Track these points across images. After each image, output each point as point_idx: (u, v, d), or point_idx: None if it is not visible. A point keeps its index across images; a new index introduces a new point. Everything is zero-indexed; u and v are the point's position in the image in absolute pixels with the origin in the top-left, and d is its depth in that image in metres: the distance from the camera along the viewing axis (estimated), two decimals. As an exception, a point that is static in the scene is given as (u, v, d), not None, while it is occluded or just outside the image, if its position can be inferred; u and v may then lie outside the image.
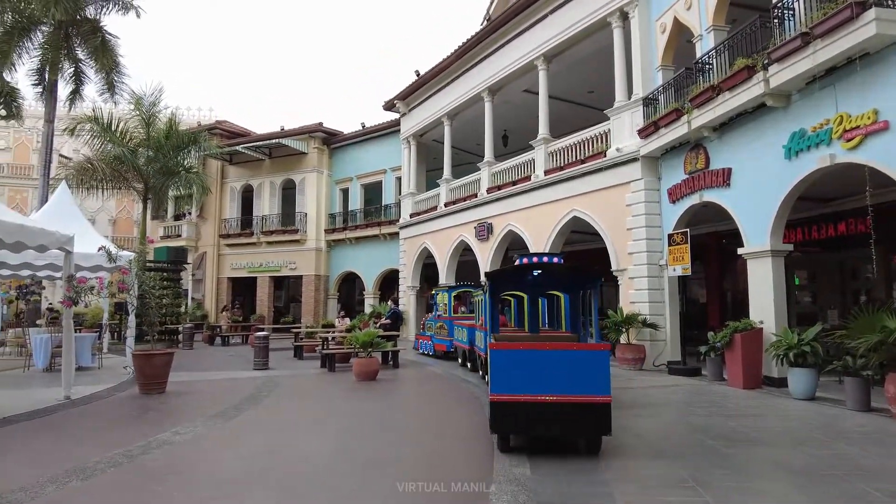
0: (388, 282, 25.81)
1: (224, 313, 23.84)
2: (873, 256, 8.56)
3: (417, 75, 22.40)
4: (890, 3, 7.81)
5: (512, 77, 17.92)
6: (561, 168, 15.45)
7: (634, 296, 12.94)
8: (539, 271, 6.88)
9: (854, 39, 7.89)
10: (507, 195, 17.54)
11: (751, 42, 10.01)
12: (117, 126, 20.41)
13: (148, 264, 19.32)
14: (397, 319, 15.29)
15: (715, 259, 16.50)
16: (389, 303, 16.98)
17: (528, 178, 16.73)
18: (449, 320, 15.46)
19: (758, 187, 10.18)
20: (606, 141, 14.27)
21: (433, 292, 18.11)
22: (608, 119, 14.29)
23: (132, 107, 20.94)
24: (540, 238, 16.01)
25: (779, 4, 9.39)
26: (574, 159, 15.14)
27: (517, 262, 6.83)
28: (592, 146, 14.68)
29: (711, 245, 15.89)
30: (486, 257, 18.52)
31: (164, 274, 20.65)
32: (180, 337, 19.79)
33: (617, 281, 13.70)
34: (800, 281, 15.52)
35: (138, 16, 21.80)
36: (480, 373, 11.40)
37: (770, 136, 9.93)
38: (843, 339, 7.65)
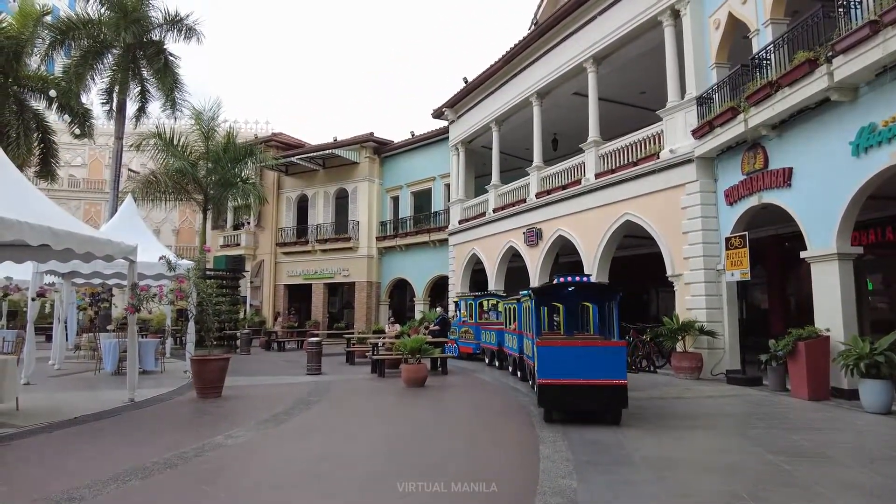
0: (438, 288, 25.91)
1: (278, 319, 24.52)
2: (872, 259, 7.93)
3: (465, 82, 22.47)
4: (969, -15, 7.27)
5: (561, 80, 17.69)
6: (612, 171, 15.10)
7: (691, 302, 12.45)
8: (572, 288, 8.84)
9: (929, 26, 7.38)
10: (557, 200, 17.29)
11: (812, 35, 9.49)
12: (179, 140, 21.46)
13: (207, 272, 20.19)
14: (445, 325, 15.32)
15: (777, 263, 15.70)
16: (438, 309, 17.06)
17: (578, 181, 16.44)
18: (475, 325, 16.78)
19: (822, 187, 9.62)
20: (659, 142, 13.86)
21: (456, 300, 19.29)
22: (661, 120, 13.88)
23: (192, 121, 21.97)
24: (591, 243, 15.68)
25: (843, -8, 8.88)
26: (626, 162, 14.77)
27: (556, 282, 8.77)
28: (645, 148, 14.29)
29: (773, 248, 15.14)
30: (535, 263, 18.30)
31: (223, 282, 21.52)
32: (238, 342, 20.48)
33: (672, 287, 13.24)
34: (873, 286, 14.58)
35: (200, 42, 22.96)
36: (510, 369, 13.29)
37: (835, 133, 9.38)
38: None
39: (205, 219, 22.53)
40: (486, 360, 15.87)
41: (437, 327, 15.03)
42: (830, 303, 9.41)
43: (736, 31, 12.24)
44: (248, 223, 31.86)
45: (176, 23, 22.69)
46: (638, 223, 14.12)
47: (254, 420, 8.10)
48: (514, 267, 20.79)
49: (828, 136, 9.55)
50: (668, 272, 13.18)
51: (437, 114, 24.96)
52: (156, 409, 9.20)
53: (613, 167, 15.12)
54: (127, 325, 10.43)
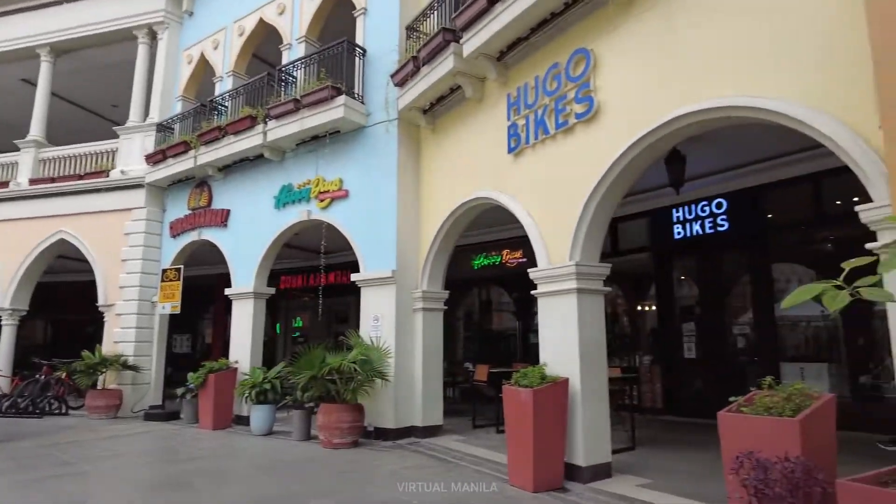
0: None
1: None
2: (305, 301, 9.90)
3: None
4: (357, 95, 9.42)
5: (5, 59, 14.40)
6: (52, 180, 12.98)
7: (120, 335, 11.62)
8: None
9: (328, 116, 9.14)
10: (-26, 202, 13.64)
11: (261, 95, 10.55)
12: None
13: None
14: None
15: (223, 299, 16.58)
16: None
17: (6, 183, 13.43)
18: None
19: (250, 231, 10.65)
20: (113, 160, 12.79)
21: None
22: (118, 137, 12.88)
23: None
24: (13, 259, 12.87)
25: (283, 69, 10.29)
26: (71, 173, 12.98)
27: None
28: (96, 162, 12.92)
29: (220, 286, 15.88)
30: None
31: None
32: None
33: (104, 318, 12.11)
34: (302, 323, 17.15)
35: None
36: None
37: (265, 185, 10.57)
38: (292, 374, 8.42)
39: None
40: None
41: None
42: (242, 337, 10.35)
43: (206, 72, 12.64)
44: None
45: None
46: (74, 244, 12.47)
47: None
48: None
49: (260, 187, 10.68)
50: (101, 301, 12.02)
51: None
52: None
53: (54, 176, 13.04)
54: None
